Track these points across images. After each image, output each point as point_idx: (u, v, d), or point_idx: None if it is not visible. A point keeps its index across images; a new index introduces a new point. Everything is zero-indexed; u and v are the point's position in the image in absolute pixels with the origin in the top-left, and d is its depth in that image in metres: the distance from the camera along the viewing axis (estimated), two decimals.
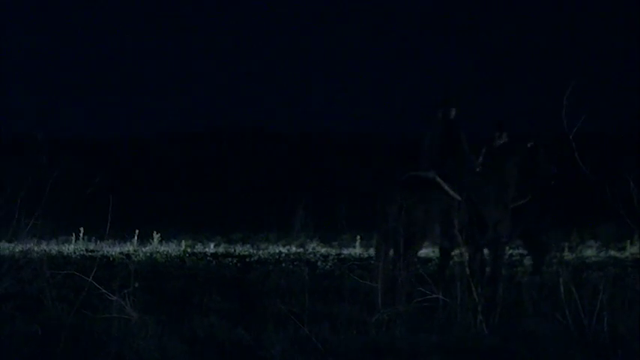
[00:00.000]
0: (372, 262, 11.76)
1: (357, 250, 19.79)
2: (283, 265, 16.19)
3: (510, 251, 17.85)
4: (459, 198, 10.74)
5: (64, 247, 18.92)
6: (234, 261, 17.02)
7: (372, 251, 17.35)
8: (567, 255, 19.27)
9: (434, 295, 9.68)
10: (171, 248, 19.52)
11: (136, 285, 9.29)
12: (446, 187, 10.71)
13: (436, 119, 11.36)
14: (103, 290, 9.27)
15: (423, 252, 16.35)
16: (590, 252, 20.25)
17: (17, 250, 14.85)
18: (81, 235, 19.82)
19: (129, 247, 19.22)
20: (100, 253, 17.88)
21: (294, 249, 20.19)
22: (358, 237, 20.66)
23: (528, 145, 11.71)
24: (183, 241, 20.62)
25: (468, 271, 9.74)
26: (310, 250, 20.08)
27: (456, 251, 11.67)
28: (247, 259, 17.41)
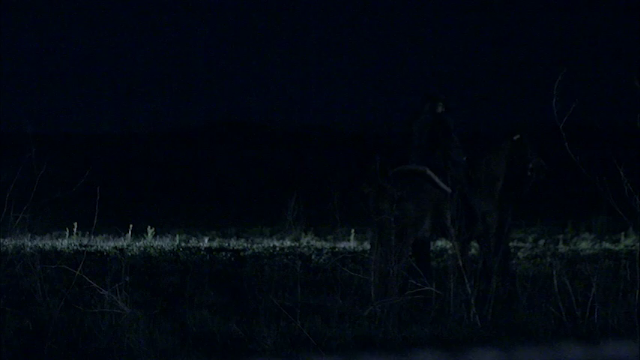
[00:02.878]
0: (367, 255, 11.75)
1: (351, 244, 19.77)
2: (277, 259, 16.16)
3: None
4: (449, 191, 10.74)
5: (57, 243, 18.87)
6: (228, 255, 16.99)
7: (367, 245, 17.33)
8: (561, 247, 19.27)
9: (426, 288, 9.66)
10: (165, 243, 19.46)
11: (127, 279, 9.26)
12: (437, 180, 10.72)
13: (423, 113, 11.40)
14: (95, 285, 9.24)
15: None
16: (585, 244, 20.25)
17: (9, 245, 14.81)
18: (74, 230, 19.76)
19: (123, 242, 19.17)
20: (94, 247, 17.83)
21: (288, 243, 20.16)
22: (352, 230, 20.63)
23: (514, 138, 11.69)
24: (177, 236, 20.57)
25: (460, 263, 9.72)
26: (304, 243, 20.06)
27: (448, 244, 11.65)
28: (241, 254, 17.37)
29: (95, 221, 9.78)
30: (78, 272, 9.13)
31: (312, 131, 52.72)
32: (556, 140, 9.82)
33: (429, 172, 10.75)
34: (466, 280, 9.51)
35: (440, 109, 11.44)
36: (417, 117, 11.51)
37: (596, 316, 9.00)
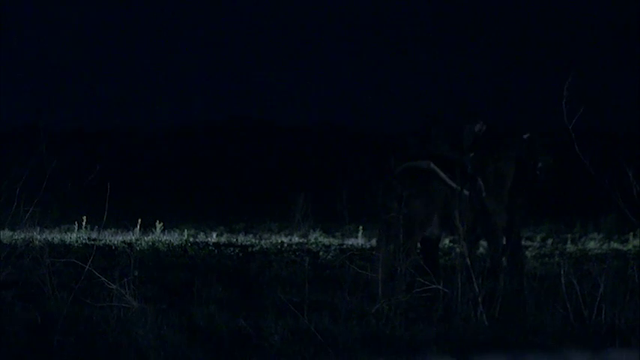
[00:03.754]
0: (374, 252, 11.77)
1: (359, 241, 19.79)
2: (285, 255, 16.20)
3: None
4: (457, 188, 10.74)
5: (66, 236, 18.94)
6: (236, 251, 17.03)
7: (374, 242, 17.33)
8: (569, 247, 19.27)
9: (434, 286, 9.68)
10: (174, 237, 19.52)
11: (136, 274, 9.30)
12: (442, 176, 10.72)
13: (463, 131, 11.28)
14: (103, 279, 9.28)
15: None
16: (593, 244, 20.23)
17: (19, 238, 14.85)
18: (84, 224, 19.81)
19: (131, 236, 19.23)
20: (103, 241, 17.90)
21: (296, 239, 20.20)
22: (361, 227, 20.66)
23: (524, 137, 11.68)
24: (185, 231, 20.63)
25: (468, 261, 9.73)
26: (312, 240, 20.08)
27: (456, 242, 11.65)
28: (249, 249, 17.41)
29: (104, 215, 9.82)
30: (87, 266, 9.18)
31: (321, 128, 52.77)
32: (565, 141, 9.83)
33: (432, 165, 10.72)
34: (474, 279, 9.52)
35: (479, 127, 11.36)
36: (442, 129, 11.40)
37: (603, 316, 9.01)
